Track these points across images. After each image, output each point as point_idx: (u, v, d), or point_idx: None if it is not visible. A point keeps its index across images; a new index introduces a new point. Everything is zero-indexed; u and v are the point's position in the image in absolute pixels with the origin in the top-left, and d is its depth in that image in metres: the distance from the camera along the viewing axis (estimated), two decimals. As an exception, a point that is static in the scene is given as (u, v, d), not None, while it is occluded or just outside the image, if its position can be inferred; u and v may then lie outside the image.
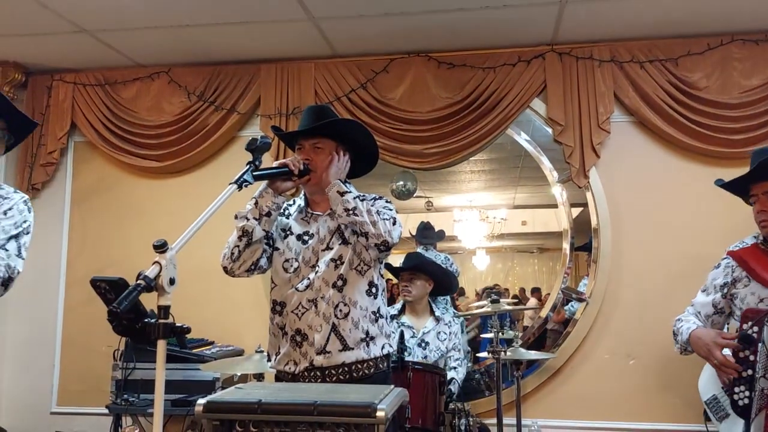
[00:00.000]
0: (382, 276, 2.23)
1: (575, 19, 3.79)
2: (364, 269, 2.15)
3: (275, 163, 2.12)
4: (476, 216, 9.42)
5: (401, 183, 6.51)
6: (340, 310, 2.06)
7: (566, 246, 4.38)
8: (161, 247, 1.48)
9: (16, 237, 2.74)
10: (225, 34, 3.97)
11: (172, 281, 1.49)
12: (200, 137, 4.35)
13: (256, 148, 2.01)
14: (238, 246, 2.10)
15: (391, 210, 2.23)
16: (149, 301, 1.57)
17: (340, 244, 2.15)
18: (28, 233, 2.79)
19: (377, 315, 2.15)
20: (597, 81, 4.01)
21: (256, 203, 2.12)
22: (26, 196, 2.55)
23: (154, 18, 3.75)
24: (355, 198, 2.15)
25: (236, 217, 2.13)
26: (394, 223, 2.17)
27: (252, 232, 2.09)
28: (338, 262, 2.12)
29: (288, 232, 2.21)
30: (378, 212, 2.14)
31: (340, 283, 2.11)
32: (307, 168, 2.12)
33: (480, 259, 10.32)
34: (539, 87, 4.08)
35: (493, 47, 4.14)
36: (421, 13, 3.70)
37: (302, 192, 2.31)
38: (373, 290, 2.17)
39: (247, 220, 2.11)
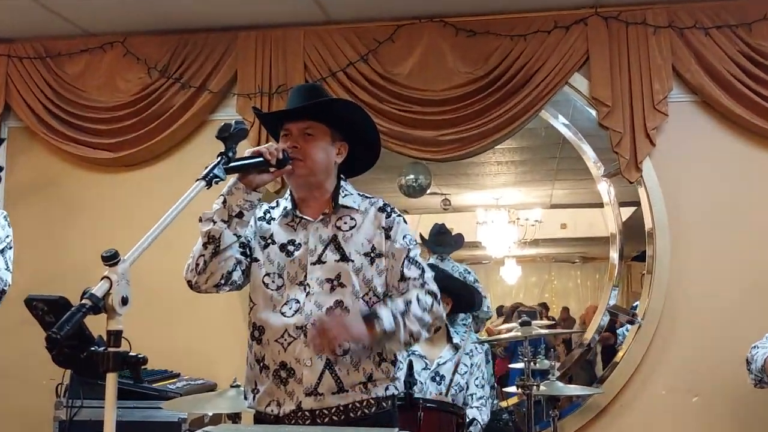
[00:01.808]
0: None
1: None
2: (373, 301, 2.11)
3: (248, 152, 2.09)
4: (504, 217, 9.45)
5: (411, 177, 6.49)
6: (339, 345, 2.02)
7: (614, 255, 4.38)
8: (112, 259, 1.48)
9: (1, 252, 3.14)
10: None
11: (124, 300, 1.48)
12: (163, 122, 4.37)
13: (230, 136, 1.98)
14: (203, 255, 2.05)
15: (426, 271, 2.19)
16: (98, 325, 1.57)
17: (337, 261, 2.10)
18: (11, 248, 3.19)
19: (381, 357, 2.13)
20: (652, 52, 4.01)
21: (225, 202, 2.08)
22: (5, 212, 2.87)
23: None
24: (402, 324, 2.03)
25: (201, 220, 2.10)
26: (437, 298, 2.16)
27: (220, 238, 2.05)
28: (335, 283, 2.08)
29: (269, 241, 2.17)
30: (427, 308, 2.09)
31: (338, 311, 2.07)
32: (286, 157, 2.07)
33: (509, 271, 10.34)
34: (580, 59, 4.09)
35: (524, 11, 4.14)
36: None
37: (288, 190, 2.27)
38: None
39: (214, 223, 2.06)
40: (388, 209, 2.20)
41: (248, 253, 2.18)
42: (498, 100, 4.11)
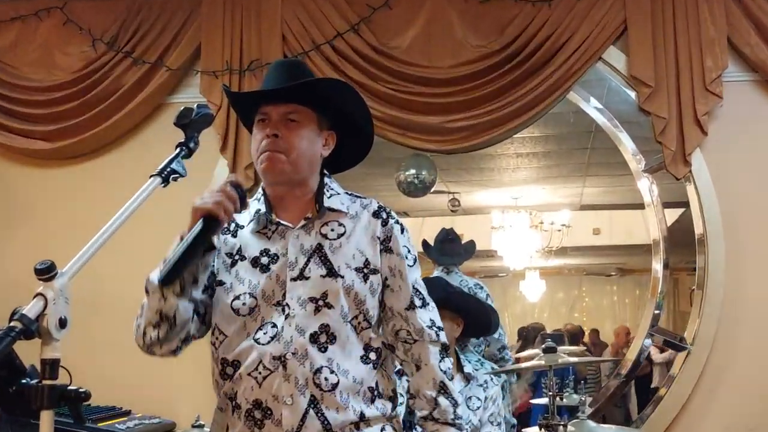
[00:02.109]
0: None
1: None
2: (362, 326, 2.11)
3: (192, 212, 2.02)
4: (525, 221, 9.41)
5: (413, 172, 6.47)
6: (325, 378, 2.01)
7: (658, 266, 4.38)
8: (47, 272, 1.47)
9: None
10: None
11: (62, 323, 1.48)
12: (111, 105, 4.37)
13: (191, 123, 1.98)
14: (156, 332, 2.06)
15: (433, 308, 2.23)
16: (31, 352, 1.57)
17: (323, 276, 2.07)
18: None
19: (375, 393, 2.13)
20: (703, 21, 4.03)
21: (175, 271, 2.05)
22: None
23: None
24: (452, 409, 2.14)
25: (146, 291, 2.08)
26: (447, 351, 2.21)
27: (175, 316, 2.04)
28: (320, 303, 2.05)
29: (237, 256, 2.13)
30: (451, 376, 2.18)
31: (324, 338, 2.06)
32: (242, 193, 2.05)
33: (531, 286, 10.34)
34: (616, 30, 4.10)
35: (548, -30, 4.15)
36: None
37: (260, 189, 2.26)
38: (372, 356, 2.14)
39: (164, 299, 2.05)
40: (384, 214, 2.19)
41: (207, 284, 2.14)
42: (517, 79, 4.12)
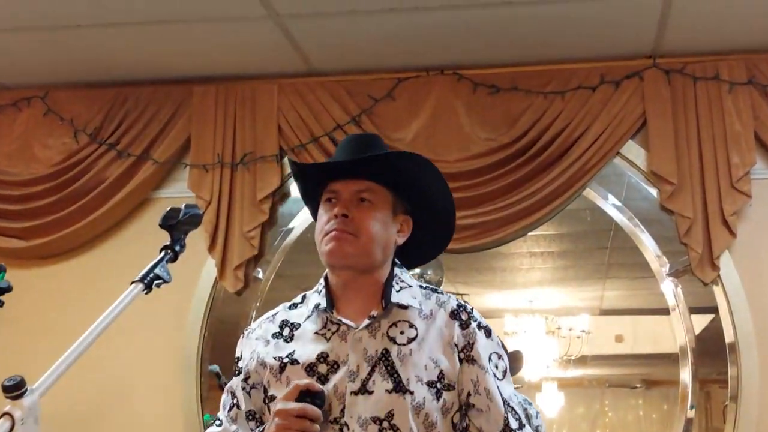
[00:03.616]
0: None
1: (692, 17, 3.86)
2: None
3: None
4: (540, 326, 9.27)
5: (417, 272, 6.44)
6: None
7: (686, 377, 4.32)
8: (15, 389, 1.46)
9: None
10: (134, 38, 4.06)
11: (32, 445, 1.48)
12: (91, 201, 4.39)
13: (178, 224, 1.98)
14: None
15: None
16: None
17: (389, 391, 1.91)
18: None
19: None
20: (728, 115, 4.07)
21: None
22: None
23: (22, 14, 3.84)
24: None
25: None
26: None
27: None
28: (385, 424, 1.90)
29: (287, 359, 2.00)
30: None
31: None
32: (322, 400, 1.88)
33: (549, 399, 10.14)
34: (635, 123, 4.16)
35: (562, 60, 4.24)
36: (447, 8, 3.79)
37: (323, 278, 2.11)
38: None
39: None
40: (464, 315, 2.04)
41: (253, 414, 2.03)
42: (529, 174, 4.16)
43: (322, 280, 2.09)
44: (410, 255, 2.15)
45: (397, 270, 2.09)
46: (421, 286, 2.09)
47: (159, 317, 4.15)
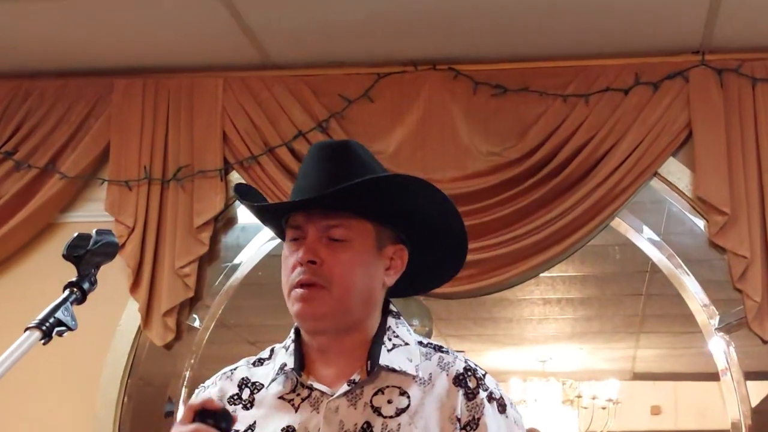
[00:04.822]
0: None
1: (751, 3, 3.87)
2: None
3: None
4: (557, 393, 9.26)
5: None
6: None
7: (741, 463, 4.31)
8: None
9: None
10: (38, 17, 4.03)
11: None
12: (-19, 224, 4.36)
13: (87, 255, 1.95)
14: None
15: None
16: None
17: None
18: None
19: None
20: (795, 125, 4.09)
21: None
22: None
23: None
24: None
25: None
26: None
27: None
28: None
29: (248, 429, 2.03)
30: None
31: None
32: (225, 417, 1.87)
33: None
34: (678, 135, 4.15)
35: (587, 56, 4.24)
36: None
37: (292, 331, 2.13)
38: None
39: None
40: (471, 382, 2.02)
41: None
42: (542, 199, 4.15)
43: (292, 333, 2.09)
44: (415, 281, 2.17)
45: (391, 321, 2.09)
46: (420, 343, 2.08)
47: (64, 376, 4.13)
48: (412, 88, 4.31)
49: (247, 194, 2.19)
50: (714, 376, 4.45)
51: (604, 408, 8.33)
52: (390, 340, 2.04)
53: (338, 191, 1.96)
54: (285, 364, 2.04)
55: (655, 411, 8.75)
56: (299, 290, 1.95)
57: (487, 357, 7.89)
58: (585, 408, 8.43)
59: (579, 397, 8.38)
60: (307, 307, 1.96)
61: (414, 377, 1.98)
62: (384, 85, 4.33)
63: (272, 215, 2.15)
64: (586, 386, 8.35)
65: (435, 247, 2.14)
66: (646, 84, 4.18)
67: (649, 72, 4.20)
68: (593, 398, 8.32)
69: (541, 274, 4.49)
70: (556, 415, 8.37)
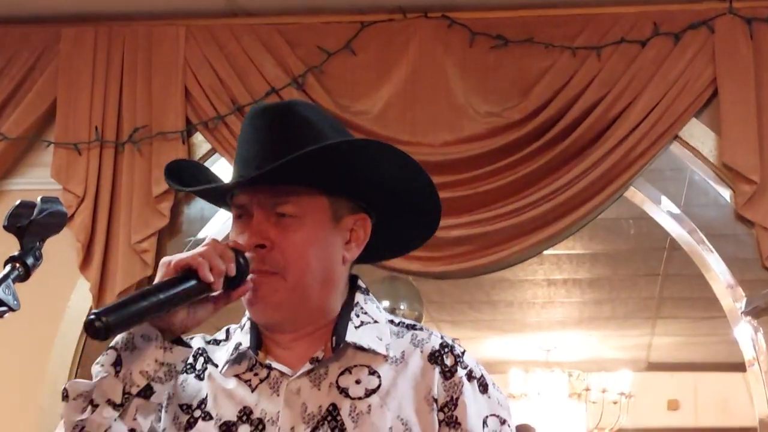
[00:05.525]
0: None
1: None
2: None
3: (165, 264, 2.03)
4: (562, 385, 9.27)
5: (386, 305, 6.40)
6: None
7: (769, 464, 4.35)
8: None
9: None
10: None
11: None
12: None
13: (30, 226, 1.97)
14: None
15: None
16: None
17: None
18: None
19: None
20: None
21: (119, 363, 2.01)
22: None
23: None
24: None
25: (65, 397, 2.05)
26: None
27: None
28: None
29: (199, 413, 2.05)
30: None
31: None
32: (243, 267, 1.98)
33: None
34: (702, 94, 4.17)
35: (599, 3, 4.26)
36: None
37: (245, 319, 2.14)
38: None
39: (93, 407, 2.01)
40: (448, 359, 2.04)
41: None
42: (547, 166, 4.17)
43: (246, 319, 2.10)
44: (382, 246, 2.17)
45: (359, 297, 2.09)
46: (392, 321, 2.08)
47: (5, 363, 4.15)
48: (400, 39, 4.32)
49: (178, 172, 2.18)
50: (740, 367, 4.49)
51: (615, 402, 8.37)
52: (358, 316, 2.05)
53: (279, 166, 1.96)
54: (240, 344, 2.05)
55: (673, 405, 8.80)
56: (251, 279, 1.96)
57: (484, 345, 7.91)
58: (594, 402, 8.46)
59: (587, 390, 8.41)
60: (260, 302, 1.99)
61: (385, 357, 2.00)
62: (368, 36, 4.33)
63: (212, 197, 2.16)
64: (595, 378, 8.38)
65: (402, 212, 2.15)
66: (666, 35, 4.19)
67: (669, 21, 4.21)
68: (603, 391, 8.35)
69: (546, 252, 4.50)
70: (561, 410, 8.41)
